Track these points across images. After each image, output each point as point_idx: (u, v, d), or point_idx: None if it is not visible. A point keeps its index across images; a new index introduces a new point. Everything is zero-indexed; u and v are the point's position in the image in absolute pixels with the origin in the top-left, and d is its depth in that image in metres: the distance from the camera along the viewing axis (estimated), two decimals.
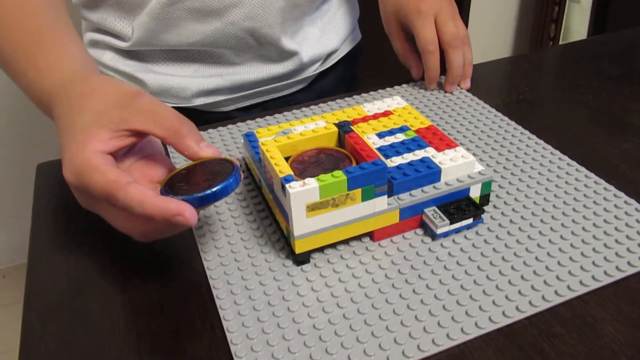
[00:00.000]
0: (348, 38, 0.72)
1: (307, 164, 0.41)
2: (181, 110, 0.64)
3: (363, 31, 0.77)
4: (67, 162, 0.36)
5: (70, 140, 0.36)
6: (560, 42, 1.80)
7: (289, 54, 0.64)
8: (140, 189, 0.33)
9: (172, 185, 0.36)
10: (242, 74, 0.63)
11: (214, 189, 0.34)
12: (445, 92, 0.61)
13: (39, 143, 1.38)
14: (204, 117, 0.66)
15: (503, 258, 0.39)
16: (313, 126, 0.45)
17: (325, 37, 0.68)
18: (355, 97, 0.61)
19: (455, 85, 0.61)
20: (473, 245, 0.40)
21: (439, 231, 0.40)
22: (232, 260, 0.40)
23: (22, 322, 0.37)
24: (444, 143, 0.43)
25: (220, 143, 0.54)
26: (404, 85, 0.63)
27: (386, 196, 0.39)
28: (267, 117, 0.58)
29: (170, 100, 0.63)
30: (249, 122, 0.57)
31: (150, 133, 0.37)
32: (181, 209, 0.33)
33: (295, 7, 0.61)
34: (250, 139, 0.46)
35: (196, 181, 0.36)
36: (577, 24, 1.80)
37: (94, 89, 0.38)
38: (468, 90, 0.61)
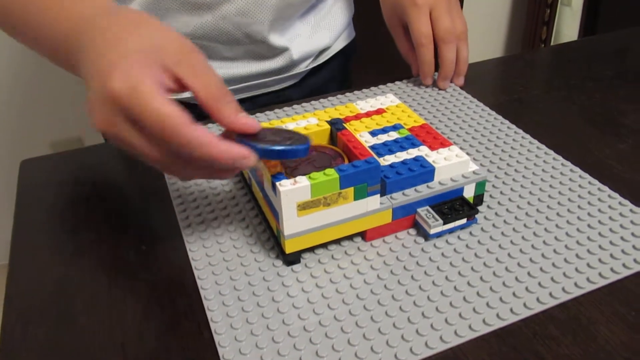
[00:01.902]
0: (342, 35, 0.71)
1: (299, 162, 0.40)
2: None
3: (358, 28, 0.76)
4: (121, 72, 0.32)
5: (121, 58, 0.33)
6: (552, 45, 1.81)
7: (279, 50, 0.63)
8: (207, 131, 0.33)
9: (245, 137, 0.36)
10: (231, 68, 0.63)
11: (280, 147, 0.34)
12: (439, 89, 0.60)
13: (23, 139, 1.36)
14: (195, 110, 0.65)
15: (497, 259, 0.38)
16: (305, 123, 0.44)
17: (317, 34, 0.67)
18: (348, 94, 0.60)
19: (448, 82, 0.60)
20: (467, 246, 0.39)
21: (433, 231, 0.39)
22: (221, 259, 0.39)
23: (2, 323, 0.36)
24: (437, 142, 0.42)
25: None
26: (397, 83, 0.62)
27: (379, 195, 0.38)
28: (258, 114, 0.57)
29: None
30: None
31: (194, 91, 0.34)
32: (246, 153, 0.33)
33: (289, 6, 0.60)
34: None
35: (269, 138, 0.36)
36: (568, 26, 1.80)
37: (148, 20, 0.36)
38: (462, 89, 0.60)
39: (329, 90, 0.62)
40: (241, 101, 0.67)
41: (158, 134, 0.32)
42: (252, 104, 0.67)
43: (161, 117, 0.32)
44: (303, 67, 0.68)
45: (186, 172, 0.35)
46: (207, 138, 0.32)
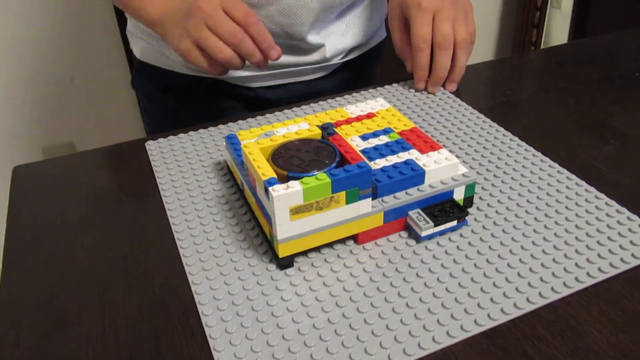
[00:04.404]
0: (374, 35, 0.75)
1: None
2: (212, 81, 0.68)
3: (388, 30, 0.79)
4: None
5: None
6: (542, 47, 1.83)
7: (315, 47, 0.67)
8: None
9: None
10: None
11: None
12: (429, 93, 0.61)
13: (15, 145, 1.36)
14: (233, 92, 0.70)
15: (487, 260, 0.39)
16: (296, 128, 0.44)
17: (350, 32, 0.70)
18: (338, 98, 0.60)
19: (438, 87, 0.61)
20: (457, 247, 0.40)
21: (424, 234, 0.40)
22: (215, 264, 0.39)
23: None
24: (427, 145, 0.43)
25: (201, 145, 0.53)
26: (387, 87, 0.63)
27: (370, 199, 0.39)
28: (249, 120, 0.57)
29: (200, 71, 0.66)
30: (239, 122, 0.57)
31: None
32: (278, 51, 0.54)
33: (329, 8, 0.64)
34: (232, 141, 0.45)
35: (301, 156, 0.40)
36: (557, 29, 1.82)
37: None
38: (451, 93, 0.61)
39: (358, 85, 0.64)
40: (275, 87, 0.70)
41: (242, 20, 0.52)
42: (285, 90, 0.70)
43: (248, 12, 0.52)
44: (336, 60, 0.71)
45: (238, 43, 0.51)
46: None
